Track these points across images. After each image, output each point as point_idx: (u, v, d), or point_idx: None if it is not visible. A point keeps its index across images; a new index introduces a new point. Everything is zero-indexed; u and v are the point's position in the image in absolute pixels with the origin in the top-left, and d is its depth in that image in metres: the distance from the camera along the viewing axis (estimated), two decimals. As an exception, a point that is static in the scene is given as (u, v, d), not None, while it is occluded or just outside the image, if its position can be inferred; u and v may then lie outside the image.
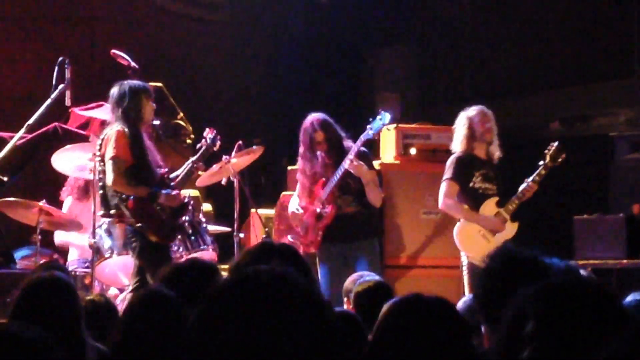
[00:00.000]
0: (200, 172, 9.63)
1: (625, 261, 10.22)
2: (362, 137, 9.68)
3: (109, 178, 8.56)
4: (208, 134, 9.25)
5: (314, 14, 14.36)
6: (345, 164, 9.44)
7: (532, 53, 12.87)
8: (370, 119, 9.65)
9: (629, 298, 4.99)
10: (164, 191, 8.71)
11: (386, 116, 9.64)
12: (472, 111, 9.73)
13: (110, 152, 8.53)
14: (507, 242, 9.48)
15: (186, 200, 9.08)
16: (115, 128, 8.61)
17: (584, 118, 12.58)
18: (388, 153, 11.21)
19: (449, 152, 10.10)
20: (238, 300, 2.25)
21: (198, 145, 9.32)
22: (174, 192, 8.79)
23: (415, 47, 13.78)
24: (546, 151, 9.56)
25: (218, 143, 9.37)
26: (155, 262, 8.34)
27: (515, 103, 11.14)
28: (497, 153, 9.75)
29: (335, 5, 14.39)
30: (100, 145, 8.69)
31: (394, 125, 10.79)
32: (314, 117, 9.67)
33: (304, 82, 14.03)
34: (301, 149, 9.72)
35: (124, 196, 8.61)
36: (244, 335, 2.18)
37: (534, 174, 9.54)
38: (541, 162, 9.55)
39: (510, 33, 13.10)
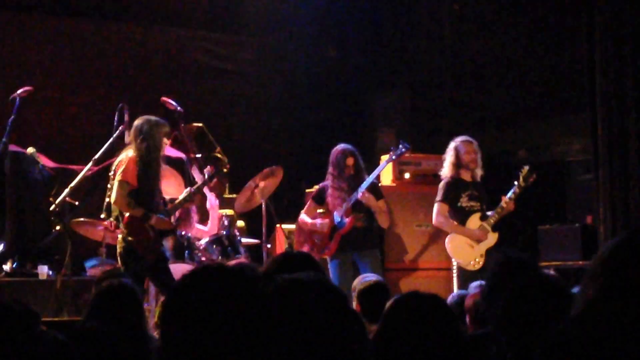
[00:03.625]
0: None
1: (581, 262, 10.21)
2: (384, 162, 9.85)
3: (113, 196, 8.55)
4: (208, 171, 9.19)
5: (324, 64, 14.40)
6: (358, 195, 9.55)
7: (503, 94, 12.88)
8: (392, 148, 9.85)
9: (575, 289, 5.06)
10: (158, 215, 8.68)
11: (406, 145, 9.83)
12: (459, 142, 9.75)
13: (119, 174, 8.52)
14: (491, 249, 9.51)
15: (174, 225, 9.06)
16: (129, 154, 8.60)
17: (546, 146, 12.58)
18: (386, 177, 11.25)
19: (436, 176, 10.13)
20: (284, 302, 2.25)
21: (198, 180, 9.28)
22: (165, 218, 8.74)
23: (405, 91, 13.81)
24: (519, 173, 9.57)
25: (214, 180, 9.36)
26: (132, 268, 8.36)
27: (488, 134, 11.17)
28: (479, 173, 9.76)
29: (341, 58, 14.46)
30: (116, 165, 8.68)
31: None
32: (346, 145, 9.78)
33: (316, 120, 14.05)
34: (331, 169, 9.79)
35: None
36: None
37: (510, 193, 9.54)
38: (515, 183, 9.55)
39: (484, 78, 13.12)
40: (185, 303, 2.27)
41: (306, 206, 10.14)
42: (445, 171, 9.81)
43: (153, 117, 8.77)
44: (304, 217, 10.05)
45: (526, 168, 9.59)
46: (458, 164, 9.71)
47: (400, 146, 9.98)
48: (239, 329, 2.19)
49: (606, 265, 2.62)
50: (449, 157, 9.78)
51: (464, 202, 9.69)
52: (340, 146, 9.85)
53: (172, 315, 2.29)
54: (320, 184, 10.11)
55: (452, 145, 9.79)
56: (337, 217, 9.73)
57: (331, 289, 2.75)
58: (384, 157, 10.33)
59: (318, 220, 9.88)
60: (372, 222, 9.81)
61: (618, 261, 2.59)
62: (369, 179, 9.73)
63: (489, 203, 9.75)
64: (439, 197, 9.76)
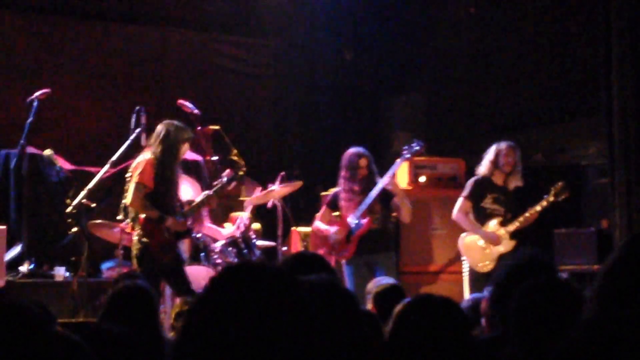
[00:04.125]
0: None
1: (596, 266, 10.18)
2: (400, 160, 9.80)
3: (129, 198, 8.58)
4: (226, 175, 9.17)
5: (342, 69, 14.42)
6: (384, 182, 9.51)
7: (518, 98, 12.88)
8: (406, 146, 9.79)
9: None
10: (176, 217, 8.69)
11: (420, 143, 9.77)
12: (502, 144, 9.69)
13: (136, 176, 8.54)
14: (504, 256, 9.45)
15: (190, 227, 9.03)
16: (147, 156, 8.62)
17: (561, 150, 12.56)
18: (402, 181, 11.24)
19: (452, 180, 10.11)
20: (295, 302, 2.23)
21: (215, 182, 9.25)
22: (181, 219, 8.76)
23: (422, 95, 13.82)
24: (552, 188, 9.45)
25: (233, 184, 9.31)
26: (147, 270, 8.36)
27: (505, 138, 11.12)
28: (514, 183, 9.67)
29: (357, 61, 14.48)
30: (133, 167, 8.70)
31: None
32: (358, 148, 9.76)
33: (334, 124, 14.07)
34: (344, 172, 9.75)
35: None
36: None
37: (537, 205, 9.46)
38: (545, 196, 9.46)
39: (500, 82, 13.11)
40: (223, 299, 2.26)
41: (321, 212, 10.12)
42: (481, 169, 9.77)
43: (176, 122, 8.79)
44: (318, 224, 10.02)
45: (560, 184, 9.47)
46: (494, 164, 9.65)
47: (414, 144, 9.91)
48: (274, 328, 2.19)
49: (610, 270, 2.62)
50: (488, 155, 9.74)
51: (487, 203, 9.65)
52: (353, 149, 9.83)
53: (206, 311, 2.27)
54: (334, 191, 10.09)
55: (494, 145, 9.75)
56: (353, 219, 9.70)
57: (342, 291, 2.75)
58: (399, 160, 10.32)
59: (332, 229, 9.82)
60: (387, 224, 9.79)
61: (621, 266, 2.59)
62: (385, 177, 9.69)
63: (515, 213, 9.65)
64: (464, 192, 9.72)
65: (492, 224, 9.61)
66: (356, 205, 9.69)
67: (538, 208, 9.44)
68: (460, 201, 9.74)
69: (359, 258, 9.67)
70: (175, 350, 2.29)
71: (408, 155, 9.94)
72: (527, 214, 9.47)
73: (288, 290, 2.28)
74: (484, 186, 9.68)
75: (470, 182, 9.78)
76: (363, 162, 9.68)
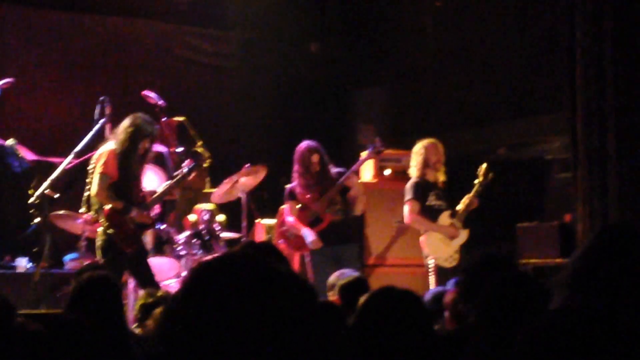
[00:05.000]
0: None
1: (559, 260, 10.24)
2: (363, 158, 9.90)
3: (93, 189, 8.52)
4: (186, 165, 9.13)
5: (307, 61, 14.40)
6: (347, 178, 9.60)
7: (483, 92, 12.92)
8: (371, 146, 9.90)
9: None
10: (138, 208, 8.66)
11: (382, 144, 9.90)
12: (427, 142, 9.84)
13: (100, 167, 8.49)
14: (463, 246, 9.61)
15: (154, 218, 9.00)
16: (110, 147, 8.56)
17: (526, 144, 12.63)
18: (367, 173, 11.28)
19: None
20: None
21: (175, 173, 9.21)
22: (145, 210, 8.73)
23: (386, 88, 13.84)
24: (478, 171, 9.76)
25: (193, 174, 9.27)
26: (112, 261, 8.33)
27: (469, 132, 11.22)
28: (441, 178, 9.86)
29: (323, 55, 14.47)
30: (96, 158, 8.64)
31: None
32: (310, 142, 9.76)
33: (297, 116, 14.05)
34: (297, 167, 9.75)
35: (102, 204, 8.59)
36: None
37: (473, 191, 9.66)
38: (476, 181, 9.68)
39: (465, 76, 13.14)
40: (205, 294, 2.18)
41: (289, 207, 10.02)
42: (413, 171, 9.89)
43: (144, 116, 8.73)
44: (294, 222, 9.92)
45: (484, 166, 9.81)
46: (426, 164, 9.81)
47: (378, 144, 10.03)
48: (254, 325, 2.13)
49: (581, 261, 2.63)
50: (417, 156, 9.87)
51: (432, 200, 9.82)
52: (305, 143, 9.83)
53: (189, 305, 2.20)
54: (289, 186, 10.04)
55: (419, 145, 9.89)
56: (313, 215, 9.73)
57: (297, 280, 2.72)
58: (364, 154, 10.34)
59: (309, 237, 9.73)
60: (347, 215, 9.81)
61: (592, 257, 2.60)
62: (348, 174, 9.71)
63: (454, 205, 9.82)
64: (409, 195, 9.82)
65: (444, 218, 9.79)
66: (314, 197, 9.71)
67: (475, 193, 9.67)
68: (408, 205, 9.84)
69: (323, 249, 9.66)
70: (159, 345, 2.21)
71: (372, 155, 10.07)
72: (465, 200, 9.65)
73: (275, 283, 2.25)
74: (424, 186, 9.84)
75: (410, 185, 9.89)
76: (315, 158, 9.71)
